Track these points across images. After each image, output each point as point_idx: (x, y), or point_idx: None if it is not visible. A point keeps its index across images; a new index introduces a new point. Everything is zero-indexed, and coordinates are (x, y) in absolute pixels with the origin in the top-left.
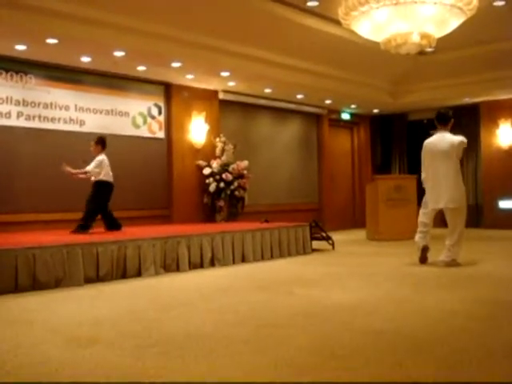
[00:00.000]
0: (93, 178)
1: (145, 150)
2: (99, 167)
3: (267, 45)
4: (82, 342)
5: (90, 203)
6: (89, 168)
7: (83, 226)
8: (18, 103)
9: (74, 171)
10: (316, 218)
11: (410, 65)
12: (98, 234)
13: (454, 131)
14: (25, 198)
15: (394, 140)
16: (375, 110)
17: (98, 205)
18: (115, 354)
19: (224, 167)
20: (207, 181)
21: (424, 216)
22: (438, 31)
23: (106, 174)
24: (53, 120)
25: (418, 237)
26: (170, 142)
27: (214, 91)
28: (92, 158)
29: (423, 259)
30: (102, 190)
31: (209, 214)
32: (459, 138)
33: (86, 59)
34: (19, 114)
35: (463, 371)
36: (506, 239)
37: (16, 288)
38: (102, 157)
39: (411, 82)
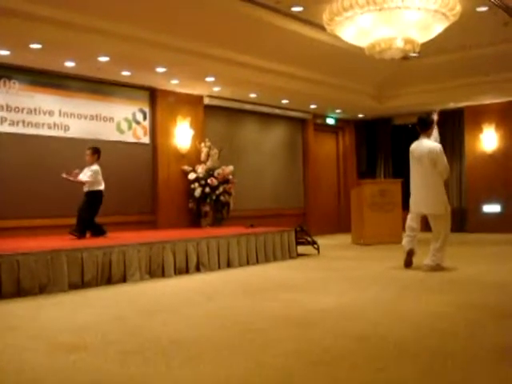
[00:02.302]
0: (86, 188)
1: (130, 155)
2: (96, 178)
3: (252, 50)
4: (66, 349)
5: (84, 212)
6: (86, 179)
7: (80, 235)
8: (1, 108)
9: (71, 178)
10: (301, 222)
11: (395, 70)
12: (83, 240)
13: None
14: (8, 204)
15: (379, 144)
16: (360, 115)
17: (92, 214)
18: (100, 360)
19: (209, 172)
20: (192, 186)
21: (411, 220)
22: (422, 36)
23: (100, 184)
24: (37, 125)
25: (404, 240)
26: (154, 148)
27: (199, 96)
28: (82, 165)
29: (408, 263)
30: (96, 199)
31: (194, 219)
32: (434, 145)
33: (70, 64)
34: (3, 120)
35: (448, 376)
36: (490, 243)
37: (0, 294)
38: (97, 167)
39: (396, 86)
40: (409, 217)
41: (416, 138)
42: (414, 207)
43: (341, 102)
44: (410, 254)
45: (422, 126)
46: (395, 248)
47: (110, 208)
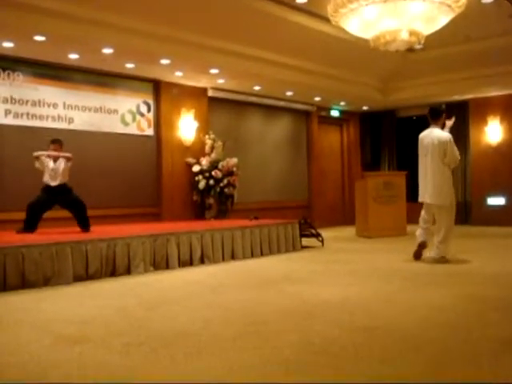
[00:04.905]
0: (62, 180)
1: (134, 147)
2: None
3: (256, 42)
4: (70, 341)
5: (82, 202)
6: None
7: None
8: (5, 101)
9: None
10: (305, 215)
11: (399, 62)
12: (85, 233)
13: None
14: (12, 197)
15: (384, 137)
16: (364, 107)
17: None
18: (104, 352)
19: (213, 164)
20: (196, 178)
21: (424, 211)
22: (427, 28)
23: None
24: (41, 117)
25: (418, 232)
26: (159, 140)
27: (204, 88)
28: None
29: (418, 255)
30: None
31: (198, 211)
32: (445, 135)
33: (74, 56)
34: (7, 112)
35: (451, 368)
36: (494, 236)
37: (4, 287)
38: None
39: (400, 79)
40: (423, 208)
41: (421, 130)
42: (420, 196)
43: (345, 94)
44: (422, 246)
45: (433, 116)
46: (399, 240)
47: (114, 200)
